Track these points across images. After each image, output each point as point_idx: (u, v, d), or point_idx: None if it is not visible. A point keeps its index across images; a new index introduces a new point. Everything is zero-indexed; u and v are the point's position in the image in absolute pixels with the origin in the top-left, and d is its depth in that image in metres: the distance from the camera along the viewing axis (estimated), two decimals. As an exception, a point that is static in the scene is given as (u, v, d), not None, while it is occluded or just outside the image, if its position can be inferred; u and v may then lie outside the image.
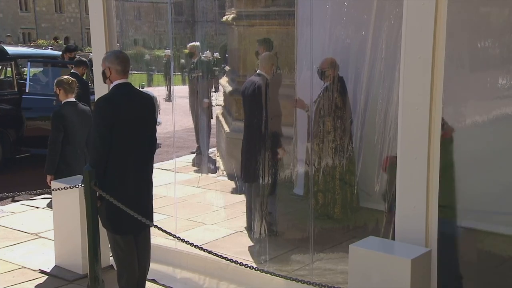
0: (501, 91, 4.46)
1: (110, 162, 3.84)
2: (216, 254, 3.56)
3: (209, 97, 9.32)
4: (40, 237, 5.80)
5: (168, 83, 14.91)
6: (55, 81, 5.89)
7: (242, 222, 5.81)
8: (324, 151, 5.37)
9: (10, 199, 7.13)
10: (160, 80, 15.98)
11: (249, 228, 5.60)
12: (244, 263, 3.43)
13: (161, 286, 4.59)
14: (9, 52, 9.88)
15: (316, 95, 5.41)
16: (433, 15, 3.04)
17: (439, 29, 3.05)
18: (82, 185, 3.92)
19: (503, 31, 4.38)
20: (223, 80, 9.11)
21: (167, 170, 7.52)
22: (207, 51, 10.53)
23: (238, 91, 7.25)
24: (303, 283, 3.19)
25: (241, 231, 5.71)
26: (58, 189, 4.66)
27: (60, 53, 11.25)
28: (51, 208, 5.30)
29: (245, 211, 5.78)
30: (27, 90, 9.14)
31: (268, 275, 3.48)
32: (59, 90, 5.72)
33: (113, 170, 3.85)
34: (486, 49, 4.45)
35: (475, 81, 4.55)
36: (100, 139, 3.81)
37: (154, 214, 4.19)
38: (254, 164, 5.35)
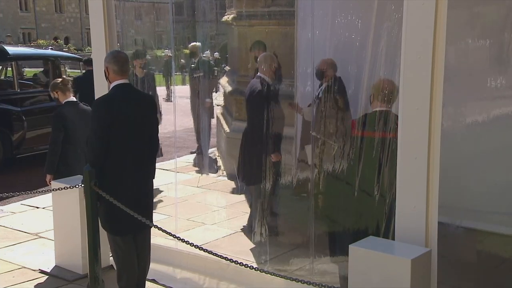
0: (502, 91, 4.46)
1: (109, 162, 3.84)
2: (216, 254, 3.56)
3: (211, 97, 9.33)
4: (40, 237, 5.80)
5: (168, 83, 14.89)
6: (50, 86, 5.85)
7: (242, 222, 5.81)
8: (324, 152, 5.36)
9: (10, 199, 7.13)
10: (160, 80, 15.97)
11: (249, 229, 5.60)
12: (244, 263, 3.43)
13: (161, 286, 4.59)
14: (9, 52, 9.89)
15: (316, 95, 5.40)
16: (433, 15, 3.04)
17: (439, 29, 3.04)
18: (82, 185, 3.92)
19: (502, 31, 4.38)
20: (223, 80, 9.11)
21: (167, 170, 7.51)
22: (207, 51, 10.53)
23: (238, 91, 7.25)
24: (303, 283, 3.19)
25: (241, 231, 5.71)
26: (58, 189, 4.66)
27: (60, 53, 11.27)
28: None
29: (245, 211, 5.77)
30: None
31: (268, 275, 3.48)
32: (56, 93, 5.68)
33: (112, 170, 3.85)
34: (486, 49, 4.45)
35: (475, 81, 4.56)
36: (97, 140, 3.81)
37: (154, 214, 4.19)
38: (256, 166, 5.34)
